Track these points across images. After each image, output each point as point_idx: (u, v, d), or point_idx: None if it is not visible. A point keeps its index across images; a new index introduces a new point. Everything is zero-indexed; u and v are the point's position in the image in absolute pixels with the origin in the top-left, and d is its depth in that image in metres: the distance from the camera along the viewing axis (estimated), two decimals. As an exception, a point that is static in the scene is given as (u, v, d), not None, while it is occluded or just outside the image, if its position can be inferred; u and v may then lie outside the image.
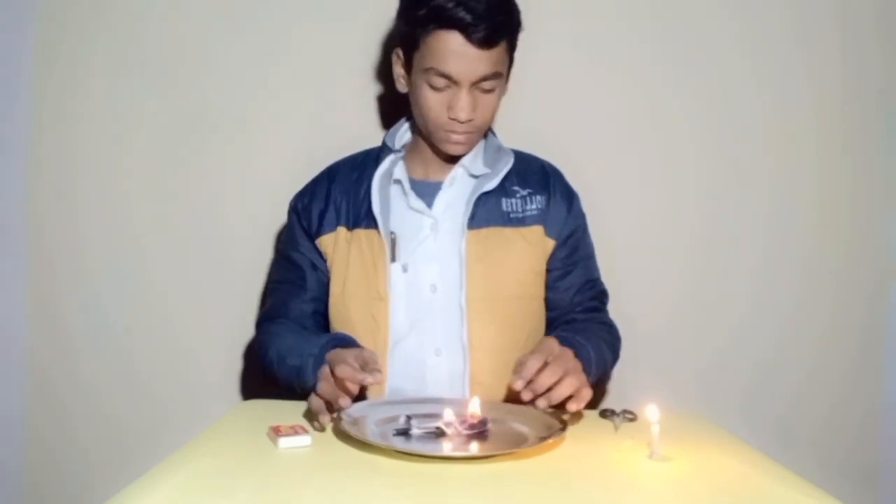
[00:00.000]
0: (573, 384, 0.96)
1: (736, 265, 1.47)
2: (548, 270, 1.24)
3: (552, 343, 1.03)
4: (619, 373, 1.43)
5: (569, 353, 1.02)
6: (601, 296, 1.28)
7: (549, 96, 1.45)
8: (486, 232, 1.18)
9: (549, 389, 0.95)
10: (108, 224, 1.46)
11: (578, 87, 1.45)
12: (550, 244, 1.22)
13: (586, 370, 1.03)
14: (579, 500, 0.77)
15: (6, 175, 1.45)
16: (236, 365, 1.48)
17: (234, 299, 1.46)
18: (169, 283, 1.46)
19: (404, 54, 1.16)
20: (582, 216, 1.27)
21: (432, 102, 1.14)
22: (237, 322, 1.46)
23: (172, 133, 1.45)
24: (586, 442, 0.94)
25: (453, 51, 1.08)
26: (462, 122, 1.13)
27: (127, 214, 1.46)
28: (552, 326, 1.25)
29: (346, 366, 0.97)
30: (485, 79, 1.11)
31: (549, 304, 1.26)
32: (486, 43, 1.08)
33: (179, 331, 1.47)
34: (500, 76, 1.13)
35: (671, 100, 1.46)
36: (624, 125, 1.46)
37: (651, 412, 0.90)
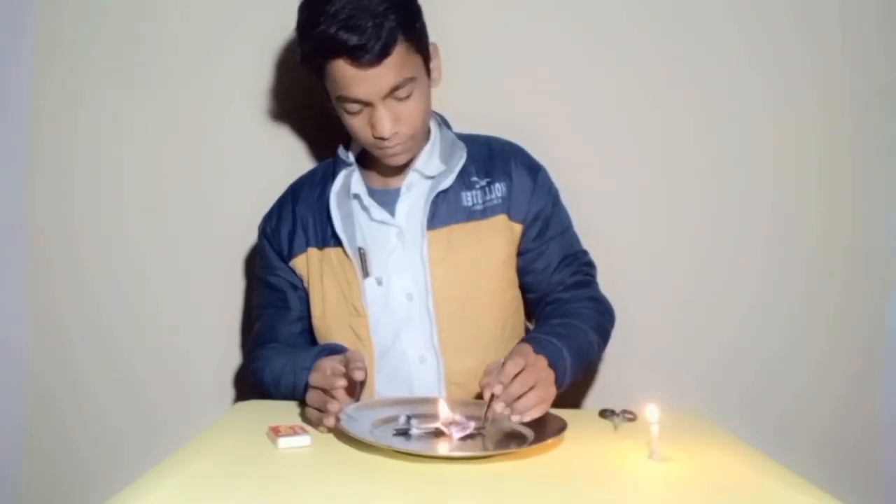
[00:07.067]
0: (539, 396, 0.94)
1: (738, 266, 1.47)
2: (521, 254, 1.21)
3: (527, 349, 1.00)
4: (619, 372, 1.43)
5: (542, 362, 0.99)
6: (586, 268, 1.24)
7: (551, 96, 1.44)
8: (446, 231, 1.16)
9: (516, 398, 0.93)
10: (106, 226, 1.46)
11: (580, 86, 1.45)
12: (517, 229, 1.19)
13: (559, 380, 1.01)
14: (579, 500, 0.77)
15: (5, 175, 1.45)
16: (235, 367, 1.48)
17: (233, 301, 1.46)
18: (167, 286, 1.46)
19: (320, 85, 1.13)
20: (549, 190, 1.22)
21: (356, 125, 1.11)
22: (236, 324, 1.46)
23: (171, 135, 1.45)
24: (586, 442, 0.94)
25: (351, 76, 1.05)
26: (387, 139, 1.10)
27: (126, 216, 1.46)
28: (537, 308, 1.23)
29: (318, 374, 1.00)
30: (395, 89, 1.07)
31: (529, 287, 1.23)
32: (378, 60, 1.03)
33: (177, 333, 1.46)
34: (412, 80, 1.08)
35: (673, 100, 1.45)
36: (627, 125, 1.46)
37: (651, 412, 0.90)
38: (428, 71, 1.13)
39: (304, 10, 1.08)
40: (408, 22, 1.06)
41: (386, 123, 1.08)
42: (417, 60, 1.10)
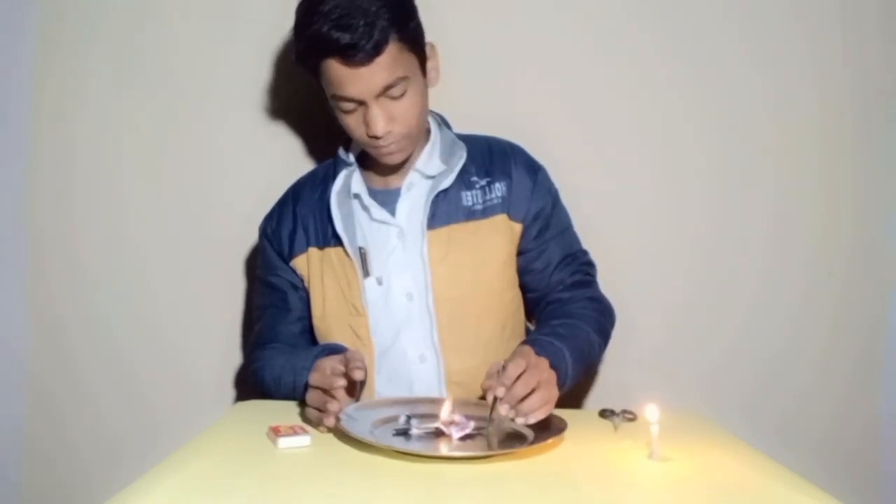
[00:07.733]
0: (543, 398, 0.94)
1: (738, 266, 1.47)
2: (521, 253, 1.21)
3: (528, 351, 1.00)
4: (619, 372, 1.43)
5: (544, 363, 0.99)
6: (586, 267, 1.25)
7: (551, 96, 1.44)
8: (446, 231, 1.16)
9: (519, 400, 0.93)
10: (106, 226, 1.45)
11: (581, 87, 1.45)
12: (517, 228, 1.19)
13: (561, 381, 1.01)
14: (579, 500, 0.77)
15: (5, 175, 1.45)
16: (235, 367, 1.48)
17: (234, 301, 1.46)
18: (167, 286, 1.46)
19: (317, 84, 1.14)
20: (549, 190, 1.23)
21: (351, 124, 1.12)
22: (236, 324, 1.46)
23: (171, 135, 1.45)
24: (586, 442, 0.94)
25: (344, 75, 1.06)
26: (381, 137, 1.10)
27: (126, 216, 1.46)
28: (537, 308, 1.23)
29: (318, 374, 1.00)
30: (388, 87, 1.07)
31: (529, 287, 1.23)
32: (370, 59, 1.04)
33: (177, 333, 1.46)
34: (405, 79, 1.08)
35: (674, 101, 1.45)
36: (628, 126, 1.46)
37: (651, 412, 0.90)
38: (424, 70, 1.13)
39: (300, 10, 1.09)
40: (401, 21, 1.07)
41: (379, 122, 1.09)
42: (412, 59, 1.10)
